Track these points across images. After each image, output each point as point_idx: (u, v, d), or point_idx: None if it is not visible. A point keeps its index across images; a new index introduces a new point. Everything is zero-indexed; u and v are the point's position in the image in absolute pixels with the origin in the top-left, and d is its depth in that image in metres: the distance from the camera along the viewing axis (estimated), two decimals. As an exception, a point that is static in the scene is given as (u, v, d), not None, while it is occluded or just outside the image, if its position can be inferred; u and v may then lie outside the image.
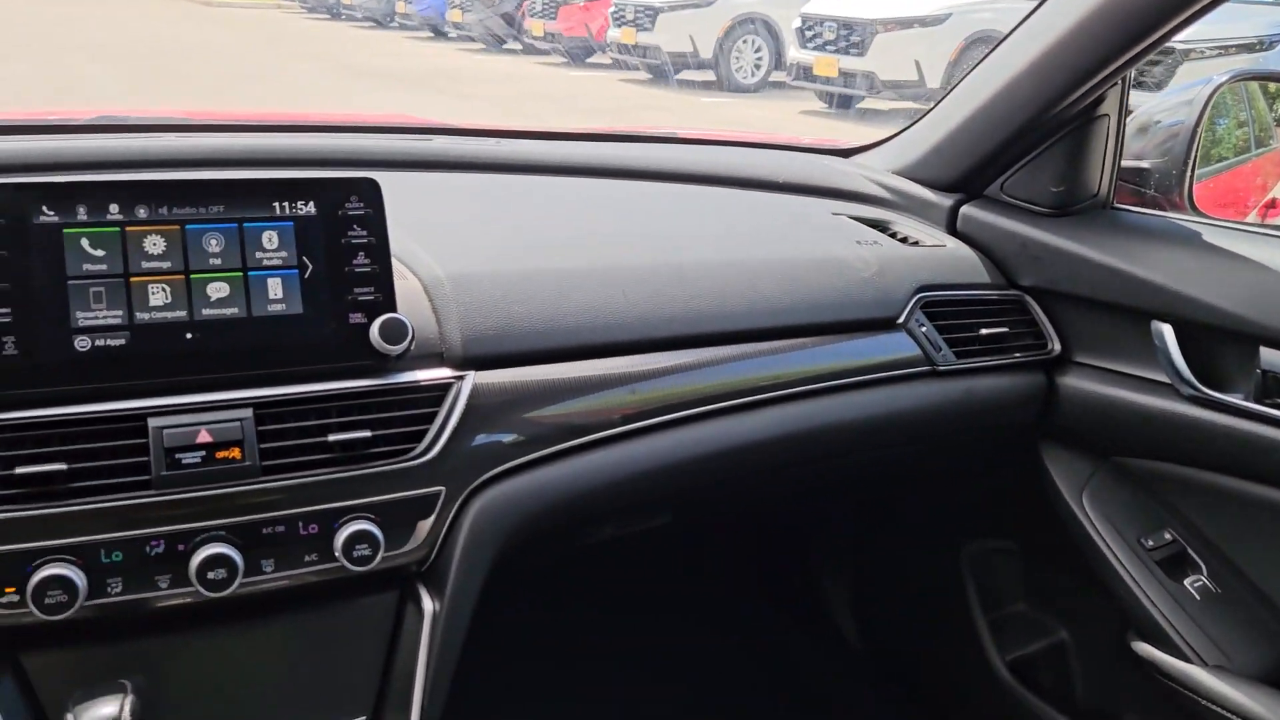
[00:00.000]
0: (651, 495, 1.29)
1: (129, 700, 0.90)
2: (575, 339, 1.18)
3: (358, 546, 1.02)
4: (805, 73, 9.52)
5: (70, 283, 0.98)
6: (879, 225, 1.55)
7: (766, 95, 10.72)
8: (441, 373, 1.10)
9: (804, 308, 1.31)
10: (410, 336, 1.06)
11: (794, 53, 9.73)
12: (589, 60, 12.60)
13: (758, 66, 10.96)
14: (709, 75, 11.05)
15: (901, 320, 1.40)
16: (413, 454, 1.07)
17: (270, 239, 1.05)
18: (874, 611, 1.89)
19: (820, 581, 1.87)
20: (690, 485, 1.31)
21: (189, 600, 0.99)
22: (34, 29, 12.00)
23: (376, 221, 1.08)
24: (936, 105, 1.58)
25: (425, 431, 1.08)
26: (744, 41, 10.78)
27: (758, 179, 1.56)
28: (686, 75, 11.28)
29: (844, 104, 9.62)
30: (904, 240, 1.51)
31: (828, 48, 9.26)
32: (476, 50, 13.70)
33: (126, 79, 9.78)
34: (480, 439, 1.10)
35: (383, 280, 1.08)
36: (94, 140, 1.27)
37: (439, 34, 14.83)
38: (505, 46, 13.66)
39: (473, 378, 1.11)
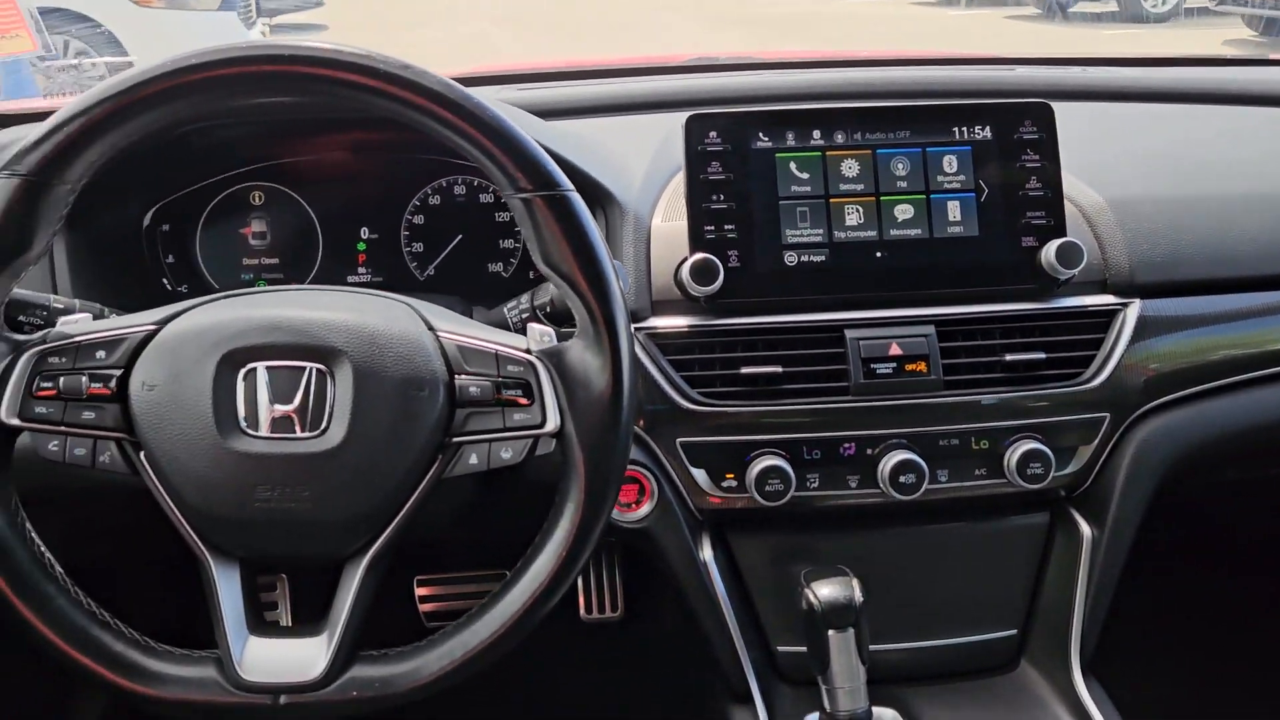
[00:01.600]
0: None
1: (856, 582, 0.99)
2: (1243, 269, 1.12)
3: (1031, 465, 1.05)
4: (1234, -5, 8.43)
5: (781, 203, 1.07)
6: None
7: (1179, 25, 9.63)
8: (1106, 299, 1.10)
9: None
10: (1084, 261, 1.06)
11: (1220, -26, 8.63)
12: (969, -3, 11.94)
13: (1170, -7, 9.85)
14: (1107, 5, 10.10)
15: None
16: (1080, 378, 1.07)
17: (950, 163, 1.09)
18: None
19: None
20: None
21: (873, 500, 1.06)
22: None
23: (1049, 146, 1.09)
24: None
25: (1092, 357, 1.08)
26: (1156, -36, 9.72)
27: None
28: (1082, 7, 10.39)
29: (1283, 30, 8.43)
30: None
31: (1266, -36, 8.12)
32: (848, -8, 13.42)
33: (521, 38, 10.55)
34: (1145, 368, 1.09)
35: (1054, 205, 1.08)
36: (739, 77, 1.36)
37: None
38: (878, -13, 13.26)
39: (1138, 305, 1.09)
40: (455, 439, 0.84)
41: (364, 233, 1.24)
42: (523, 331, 0.90)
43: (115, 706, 1.60)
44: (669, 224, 1.10)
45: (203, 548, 0.83)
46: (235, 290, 0.89)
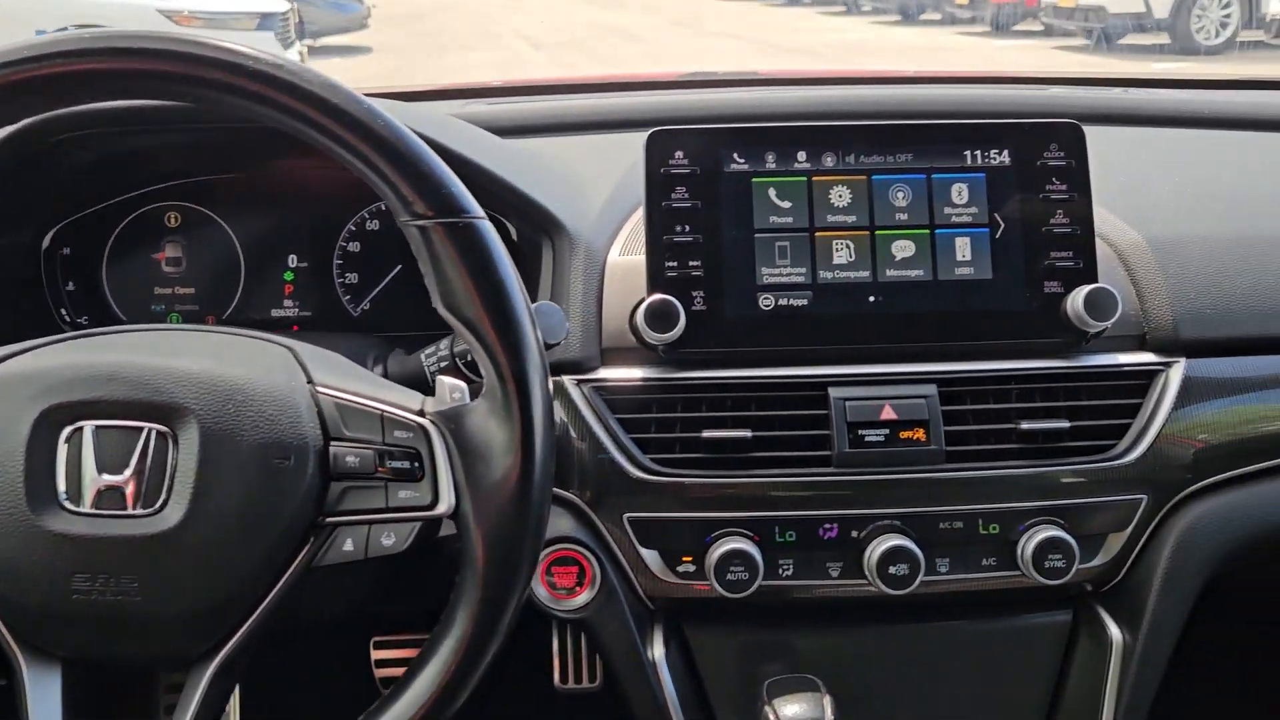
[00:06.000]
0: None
1: (828, 699, 0.82)
2: None
3: (1051, 556, 0.87)
4: (1293, 29, 8.17)
5: (757, 236, 0.91)
6: None
7: (1233, 58, 9.36)
8: (1145, 357, 0.92)
9: None
10: (1118, 311, 0.88)
11: (1278, 4, 8.37)
12: (1015, 28, 11.72)
13: (1224, 25, 9.58)
14: (1158, 38, 9.83)
15: None
16: (1112, 452, 0.90)
17: (960, 193, 0.92)
18: None
19: None
20: None
21: (858, 593, 0.89)
22: (480, 24, 13.33)
23: (1079, 174, 0.92)
24: None
25: (1127, 426, 0.90)
26: (1210, -4, 9.46)
27: None
28: (1131, 39, 10.13)
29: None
30: None
31: (1327, -3, 7.86)
32: (891, 22, 13.28)
33: (559, 60, 10.53)
34: (1191, 439, 0.91)
35: (1083, 244, 0.91)
36: (735, 93, 1.21)
37: (853, 8, 14.56)
38: (922, 16, 13.11)
39: (1183, 365, 0.91)
40: (330, 519, 0.69)
41: (292, 260, 1.10)
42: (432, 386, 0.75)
43: None
44: (628, 258, 0.95)
45: (13, 645, 0.68)
46: (85, 330, 0.75)
